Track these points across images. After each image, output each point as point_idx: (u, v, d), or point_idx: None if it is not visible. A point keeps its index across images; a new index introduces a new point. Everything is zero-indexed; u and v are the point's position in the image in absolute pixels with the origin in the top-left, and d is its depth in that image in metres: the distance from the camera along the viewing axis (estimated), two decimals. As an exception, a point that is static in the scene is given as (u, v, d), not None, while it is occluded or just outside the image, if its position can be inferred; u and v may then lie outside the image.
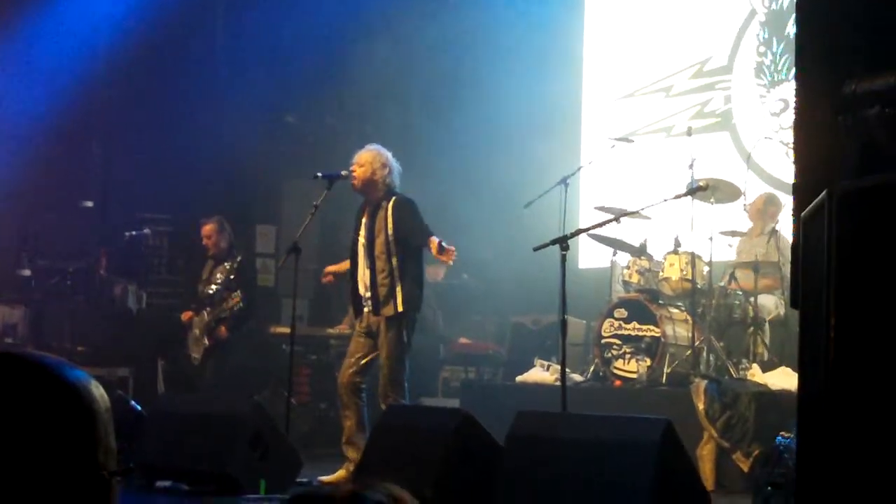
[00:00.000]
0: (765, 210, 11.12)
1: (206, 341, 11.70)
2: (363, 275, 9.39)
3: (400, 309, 9.25)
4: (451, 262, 9.37)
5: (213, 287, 11.82)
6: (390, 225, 9.26)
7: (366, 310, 9.36)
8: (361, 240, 9.44)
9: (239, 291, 11.50)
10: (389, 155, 9.48)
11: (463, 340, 13.52)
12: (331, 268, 10.22)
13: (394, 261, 9.27)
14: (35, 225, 13.51)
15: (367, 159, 9.38)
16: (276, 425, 8.77)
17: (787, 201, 10.79)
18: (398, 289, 9.25)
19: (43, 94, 12.97)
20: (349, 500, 1.48)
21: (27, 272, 13.06)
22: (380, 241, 9.30)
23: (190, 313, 11.90)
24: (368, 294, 9.31)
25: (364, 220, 9.46)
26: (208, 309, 11.73)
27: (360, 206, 9.64)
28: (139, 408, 9.50)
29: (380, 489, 1.51)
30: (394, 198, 9.33)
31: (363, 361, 9.35)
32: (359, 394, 9.37)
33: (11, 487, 1.62)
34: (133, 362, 12.64)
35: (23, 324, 12.69)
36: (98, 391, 1.77)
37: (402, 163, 9.62)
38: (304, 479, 8.55)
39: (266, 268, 14.93)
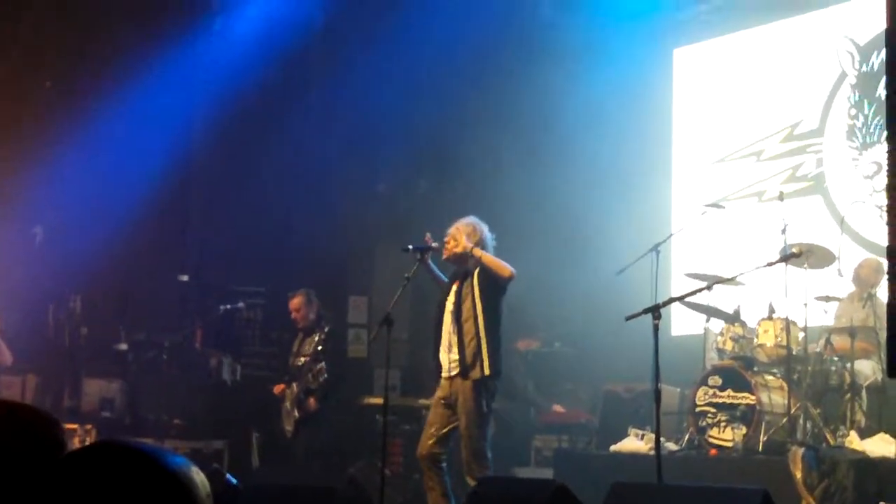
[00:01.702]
0: (872, 277, 11.00)
1: (297, 413, 11.76)
2: (449, 340, 9.42)
3: (487, 373, 9.27)
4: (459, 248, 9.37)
5: (302, 359, 11.89)
6: (476, 288, 9.33)
7: (444, 376, 9.41)
8: (450, 306, 9.51)
9: (323, 363, 11.56)
10: (486, 228, 9.58)
11: (557, 409, 13.47)
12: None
13: (480, 324, 9.29)
14: (132, 299, 13.70)
15: (461, 230, 9.50)
16: (371, 497, 8.77)
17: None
18: (485, 352, 9.27)
19: (139, 169, 13.18)
20: None
21: (124, 346, 13.22)
22: (467, 306, 9.36)
23: (282, 386, 11.99)
24: (456, 357, 9.33)
25: (453, 287, 9.56)
26: (297, 381, 11.81)
27: (451, 273, 9.73)
28: (235, 481, 9.55)
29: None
30: (479, 266, 9.41)
31: (443, 431, 9.38)
32: (439, 465, 9.38)
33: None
34: (228, 435, 12.71)
35: (120, 397, 12.83)
36: (199, 477, 1.80)
37: (493, 227, 9.68)
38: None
39: (359, 338, 15.01)
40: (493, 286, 9.40)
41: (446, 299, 9.58)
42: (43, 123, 13.39)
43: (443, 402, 9.42)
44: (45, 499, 1.69)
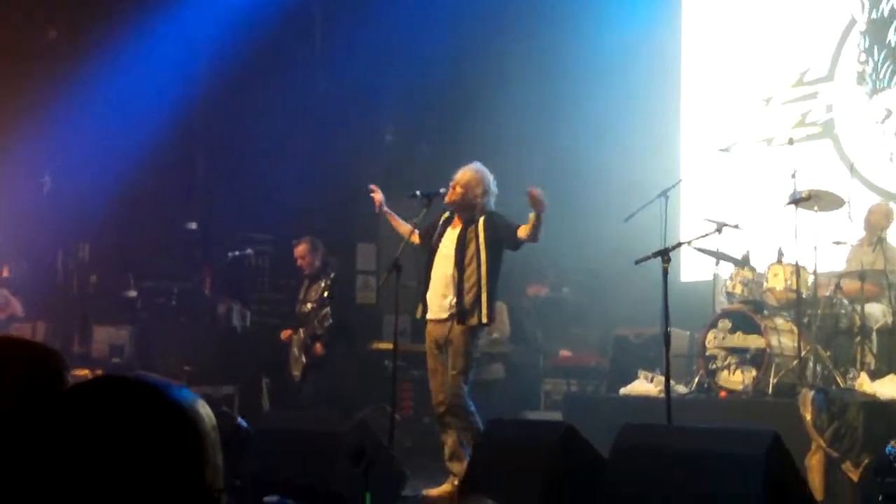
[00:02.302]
0: (882, 221, 10.95)
1: (304, 359, 11.82)
2: (445, 284, 9.37)
3: (484, 320, 9.28)
4: (544, 203, 8.94)
5: (309, 305, 11.94)
6: (482, 236, 9.29)
7: (433, 318, 9.38)
8: (446, 250, 9.45)
9: (329, 308, 11.61)
10: (491, 178, 9.50)
11: (564, 353, 13.49)
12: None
13: (483, 272, 9.26)
14: (140, 246, 13.72)
15: (468, 180, 9.41)
16: (380, 440, 8.80)
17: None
18: (484, 300, 9.25)
19: (144, 116, 13.15)
20: None
21: (133, 293, 13.25)
22: (470, 253, 9.32)
23: (289, 332, 12.06)
24: (453, 301, 9.28)
25: (450, 231, 9.52)
26: (304, 327, 11.85)
27: (446, 215, 9.67)
28: (245, 425, 9.59)
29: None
30: (486, 212, 9.39)
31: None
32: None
33: (124, 507, 1.64)
34: (238, 380, 12.75)
35: (129, 344, 12.86)
36: (204, 410, 1.79)
37: (500, 178, 9.63)
38: (409, 493, 8.56)
39: (367, 285, 15.03)
40: (504, 239, 9.34)
41: (439, 242, 9.52)
42: (49, 74, 13.35)
43: (436, 346, 9.43)
44: (46, 431, 1.68)
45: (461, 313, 9.25)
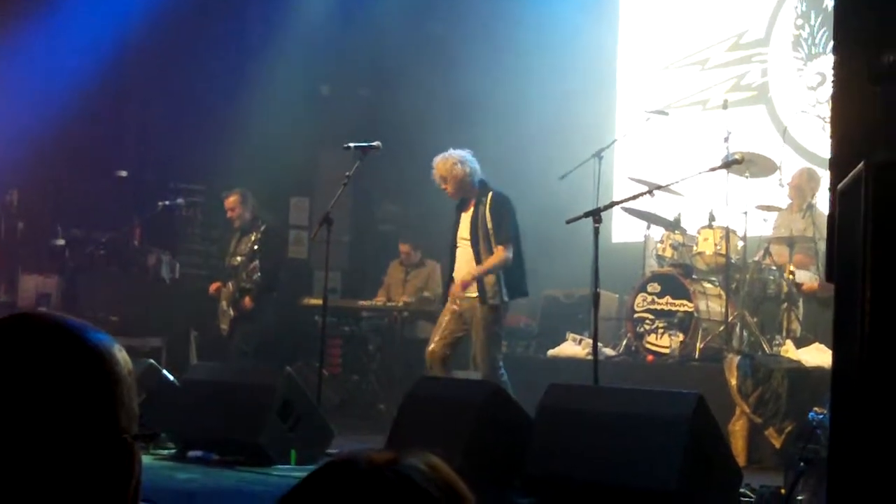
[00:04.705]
0: (805, 186, 10.99)
1: (232, 312, 11.79)
2: (467, 267, 9.73)
3: (506, 299, 9.72)
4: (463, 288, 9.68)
5: (239, 258, 11.88)
6: (489, 219, 9.65)
7: (461, 296, 9.76)
8: (464, 233, 9.83)
9: (258, 262, 11.57)
10: (458, 153, 9.84)
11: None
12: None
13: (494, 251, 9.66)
14: (69, 195, 13.55)
15: (448, 171, 9.75)
16: (308, 396, 8.78)
17: (825, 176, 10.72)
18: (503, 280, 9.66)
19: (76, 64, 12.97)
20: (389, 465, 1.47)
21: (61, 242, 13.11)
22: (482, 235, 9.67)
23: (217, 284, 12.03)
24: (475, 284, 9.65)
25: (464, 216, 9.87)
26: (233, 280, 11.80)
27: (458, 203, 10.02)
28: (172, 377, 9.54)
29: (419, 455, 1.50)
30: (491, 193, 9.76)
31: (455, 336, 9.91)
32: (446, 364, 9.91)
33: (31, 450, 1.60)
34: (166, 332, 12.68)
35: (56, 293, 12.74)
36: (121, 354, 1.75)
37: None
38: (335, 450, 8.55)
39: (299, 239, 14.96)
40: (496, 218, 9.71)
41: (457, 228, 9.91)
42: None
43: (458, 313, 9.81)
44: None
45: (482, 294, 9.63)
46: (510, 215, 9.75)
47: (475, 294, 9.65)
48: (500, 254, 9.59)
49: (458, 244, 9.90)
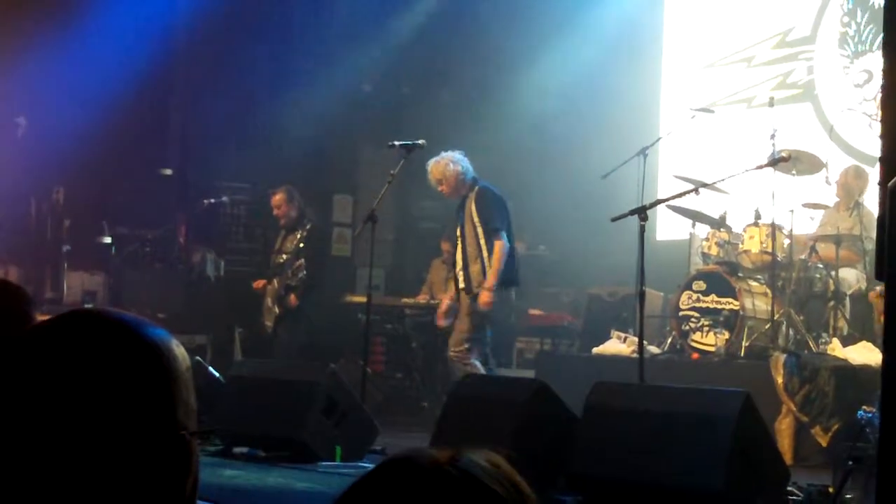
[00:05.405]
0: (852, 184, 10.90)
1: (277, 310, 11.82)
2: (459, 259, 10.19)
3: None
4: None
5: (284, 256, 11.91)
6: (474, 212, 10.01)
7: (458, 287, 10.25)
8: (459, 231, 10.24)
9: (303, 260, 11.59)
10: (450, 154, 10.15)
11: (532, 312, 13.43)
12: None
13: (482, 245, 9.94)
14: (115, 193, 13.62)
15: (442, 173, 10.10)
16: (352, 393, 8.78)
17: (872, 174, 10.64)
18: (487, 272, 9.97)
19: (123, 63, 13.02)
20: (451, 462, 1.45)
21: (107, 239, 13.17)
22: (469, 228, 10.03)
23: (262, 282, 12.05)
24: (462, 275, 10.09)
25: (460, 212, 10.25)
26: (278, 278, 11.82)
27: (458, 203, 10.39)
28: (217, 374, 9.57)
29: (479, 452, 1.49)
30: (477, 187, 10.11)
31: None
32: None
33: (90, 446, 1.60)
34: (211, 329, 12.73)
35: (102, 291, 12.81)
36: (179, 350, 1.75)
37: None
38: (379, 447, 8.56)
39: (343, 237, 14.98)
40: (483, 209, 10.05)
41: (457, 224, 10.28)
42: (23, 14, 13.19)
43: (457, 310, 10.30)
44: (10, 367, 1.63)
45: (468, 285, 10.07)
46: (497, 206, 10.10)
47: (462, 286, 10.11)
48: (498, 248, 9.93)
49: (457, 242, 10.29)
